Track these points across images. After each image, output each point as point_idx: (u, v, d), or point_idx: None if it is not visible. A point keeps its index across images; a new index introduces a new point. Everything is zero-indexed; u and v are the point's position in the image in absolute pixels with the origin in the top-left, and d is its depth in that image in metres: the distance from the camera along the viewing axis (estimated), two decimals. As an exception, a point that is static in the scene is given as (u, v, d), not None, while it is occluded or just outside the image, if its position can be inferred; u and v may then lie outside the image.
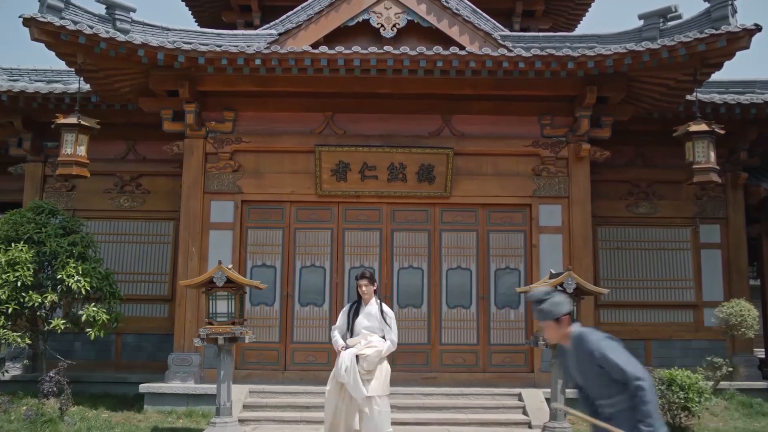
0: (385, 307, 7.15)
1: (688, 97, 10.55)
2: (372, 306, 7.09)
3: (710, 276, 11.88)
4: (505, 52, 9.49)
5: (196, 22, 15.73)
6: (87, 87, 10.72)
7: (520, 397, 9.50)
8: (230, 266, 8.07)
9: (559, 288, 7.83)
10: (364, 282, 7.09)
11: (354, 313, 7.09)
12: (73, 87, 10.73)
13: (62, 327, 9.35)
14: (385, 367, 6.98)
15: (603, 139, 10.62)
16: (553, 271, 8.17)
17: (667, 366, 11.43)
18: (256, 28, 13.50)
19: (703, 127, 9.45)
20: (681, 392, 7.97)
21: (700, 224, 11.94)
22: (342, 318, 7.21)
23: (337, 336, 7.12)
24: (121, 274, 11.47)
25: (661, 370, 8.36)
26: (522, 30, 14.80)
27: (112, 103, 11.28)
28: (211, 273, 7.65)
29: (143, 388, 9.55)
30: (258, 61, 9.44)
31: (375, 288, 7.14)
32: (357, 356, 6.74)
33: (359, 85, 10.12)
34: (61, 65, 10.81)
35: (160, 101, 10.50)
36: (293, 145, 10.58)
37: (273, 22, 11.35)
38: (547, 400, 9.11)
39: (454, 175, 10.50)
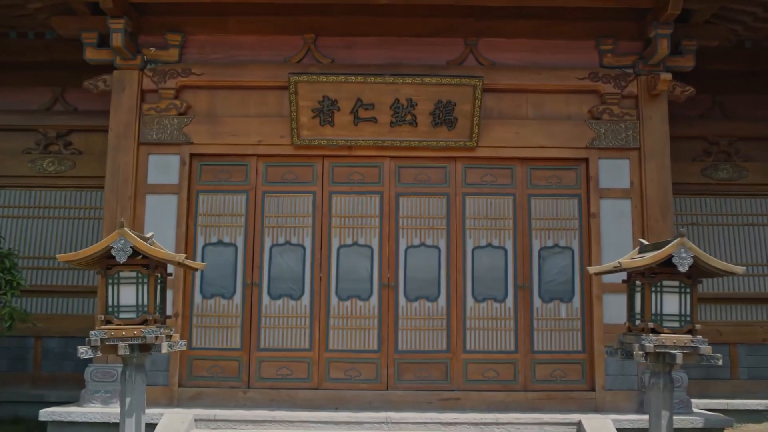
0: None
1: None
2: None
3: (815, 260, 9.43)
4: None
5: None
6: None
7: (579, 427, 6.81)
8: (151, 234, 5.30)
9: (657, 266, 5.05)
10: None
11: None
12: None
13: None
14: None
15: (683, 71, 8.03)
16: (645, 241, 5.34)
17: (760, 379, 8.96)
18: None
19: None
20: None
21: (799, 193, 9.51)
22: None
23: None
24: (43, 259, 9.09)
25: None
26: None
27: (24, 31, 8.70)
28: (107, 242, 4.82)
29: (45, 415, 6.95)
30: (205, -53, 6.72)
31: None
32: None
33: (352, -6, 7.50)
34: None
35: (81, 21, 7.88)
36: (261, 79, 7.96)
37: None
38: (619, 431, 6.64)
39: (483, 118, 7.79)
